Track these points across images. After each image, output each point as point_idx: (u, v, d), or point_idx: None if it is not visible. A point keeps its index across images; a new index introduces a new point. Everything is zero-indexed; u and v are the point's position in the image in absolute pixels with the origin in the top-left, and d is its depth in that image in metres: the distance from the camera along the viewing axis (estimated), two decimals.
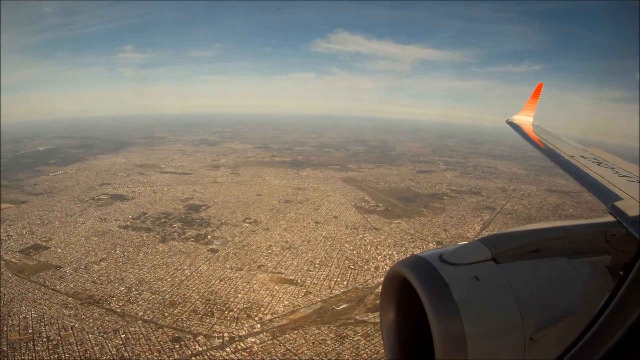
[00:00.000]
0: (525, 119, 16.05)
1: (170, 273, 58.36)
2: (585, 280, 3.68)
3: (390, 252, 67.85)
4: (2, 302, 50.35)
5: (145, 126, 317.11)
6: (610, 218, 4.46)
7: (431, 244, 72.70)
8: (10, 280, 56.19)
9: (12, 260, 62.76)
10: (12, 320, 46.35)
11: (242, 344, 42.74)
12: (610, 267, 3.84)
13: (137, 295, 52.06)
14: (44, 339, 43.17)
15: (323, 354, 41.79)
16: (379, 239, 73.96)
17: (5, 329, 44.71)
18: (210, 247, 68.59)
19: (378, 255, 66.31)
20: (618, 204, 4.81)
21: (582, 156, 8.83)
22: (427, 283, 3.22)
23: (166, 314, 47.88)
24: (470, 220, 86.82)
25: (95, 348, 41.85)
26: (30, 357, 40.29)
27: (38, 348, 41.69)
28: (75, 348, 41.87)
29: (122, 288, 53.95)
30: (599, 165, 7.96)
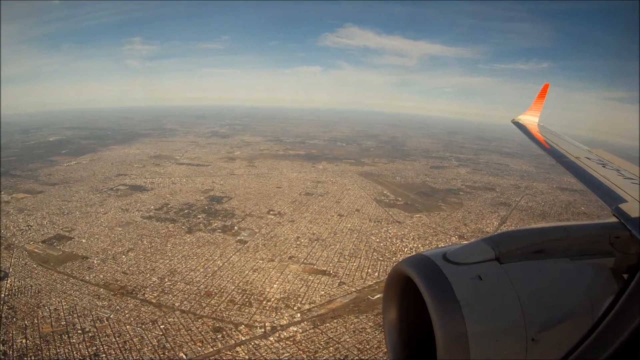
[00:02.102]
0: (531, 119, 16.06)
1: (202, 264, 58.09)
2: (588, 282, 3.66)
3: (415, 245, 67.83)
4: (29, 293, 49.66)
5: (153, 118, 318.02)
6: (614, 220, 4.44)
7: (454, 238, 72.64)
8: (36, 271, 55.51)
9: (35, 250, 62.23)
10: (42, 312, 45.30)
11: (285, 333, 42.69)
12: (614, 270, 3.80)
13: (171, 286, 51.69)
14: (79, 331, 42.17)
15: (365, 341, 41.79)
16: (402, 232, 73.94)
17: (36, 321, 43.66)
18: (238, 238, 68.37)
19: (405, 248, 66.16)
20: (622, 206, 4.80)
21: (587, 157, 8.81)
22: (430, 282, 3.22)
23: (203, 304, 47.57)
24: (488, 216, 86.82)
25: (134, 339, 41.13)
26: (66, 350, 39.24)
27: (74, 340, 40.68)
28: (114, 340, 40.94)
29: (154, 279, 53.58)
30: (603, 167, 7.93)
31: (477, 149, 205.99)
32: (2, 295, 48.85)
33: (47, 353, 38.80)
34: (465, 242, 3.80)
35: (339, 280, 54.24)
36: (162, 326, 43.33)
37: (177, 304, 47.53)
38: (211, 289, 50.93)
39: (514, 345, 3.17)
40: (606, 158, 8.90)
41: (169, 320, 44.45)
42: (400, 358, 3.66)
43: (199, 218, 77.64)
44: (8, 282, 52.15)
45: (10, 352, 38.59)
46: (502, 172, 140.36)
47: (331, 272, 56.72)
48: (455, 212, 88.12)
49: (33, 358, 38.19)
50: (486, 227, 79.52)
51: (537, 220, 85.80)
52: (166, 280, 53.20)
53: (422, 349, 3.48)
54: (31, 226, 71.98)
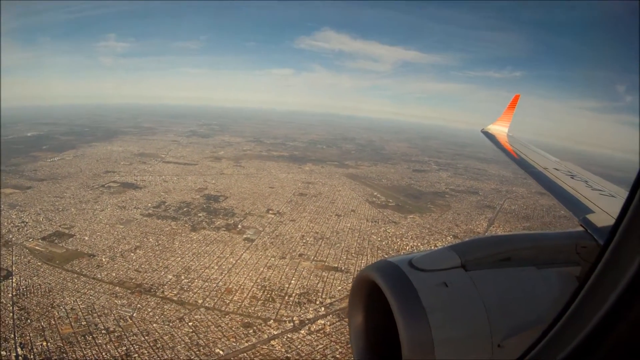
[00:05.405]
0: (500, 129, 16.58)
1: (215, 261, 58.49)
2: (555, 290, 3.63)
3: (415, 244, 70.35)
4: (40, 292, 47.91)
5: (128, 115, 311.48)
6: (581, 230, 4.68)
7: (449, 238, 75.57)
8: (42, 269, 53.83)
9: (37, 247, 60.43)
10: (58, 313, 43.67)
11: (314, 326, 44.03)
12: (580, 279, 3.84)
13: (189, 284, 51.82)
14: (103, 331, 40.97)
15: None
16: (400, 232, 76.56)
17: (53, 322, 42.04)
18: (244, 236, 69.01)
19: (406, 246, 68.68)
20: (590, 216, 5.07)
21: (555, 168, 9.14)
22: (396, 288, 3.19)
23: (227, 301, 48.10)
24: (476, 217, 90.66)
25: (164, 337, 40.49)
26: (94, 352, 37.77)
27: (99, 341, 39.41)
28: (143, 338, 40.17)
29: (170, 276, 53.50)
30: (572, 178, 8.23)
31: (452, 153, 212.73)
32: (10, 295, 47.01)
33: (73, 355, 37.12)
34: (432, 248, 3.99)
35: (352, 276, 55.69)
36: (190, 323, 43.32)
37: (199, 301, 47.78)
38: (230, 286, 51.54)
39: (479, 352, 3.19)
40: (575, 170, 9.29)
41: (196, 317, 44.58)
42: None
43: (200, 216, 77.70)
44: (13, 281, 50.25)
45: (31, 356, 36.90)
46: (482, 176, 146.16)
47: (343, 268, 58.49)
48: (445, 214, 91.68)
49: None
50: (477, 227, 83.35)
51: (522, 222, 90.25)
52: (182, 277, 53.28)
53: (387, 353, 3.49)
54: (27, 222, 69.88)
